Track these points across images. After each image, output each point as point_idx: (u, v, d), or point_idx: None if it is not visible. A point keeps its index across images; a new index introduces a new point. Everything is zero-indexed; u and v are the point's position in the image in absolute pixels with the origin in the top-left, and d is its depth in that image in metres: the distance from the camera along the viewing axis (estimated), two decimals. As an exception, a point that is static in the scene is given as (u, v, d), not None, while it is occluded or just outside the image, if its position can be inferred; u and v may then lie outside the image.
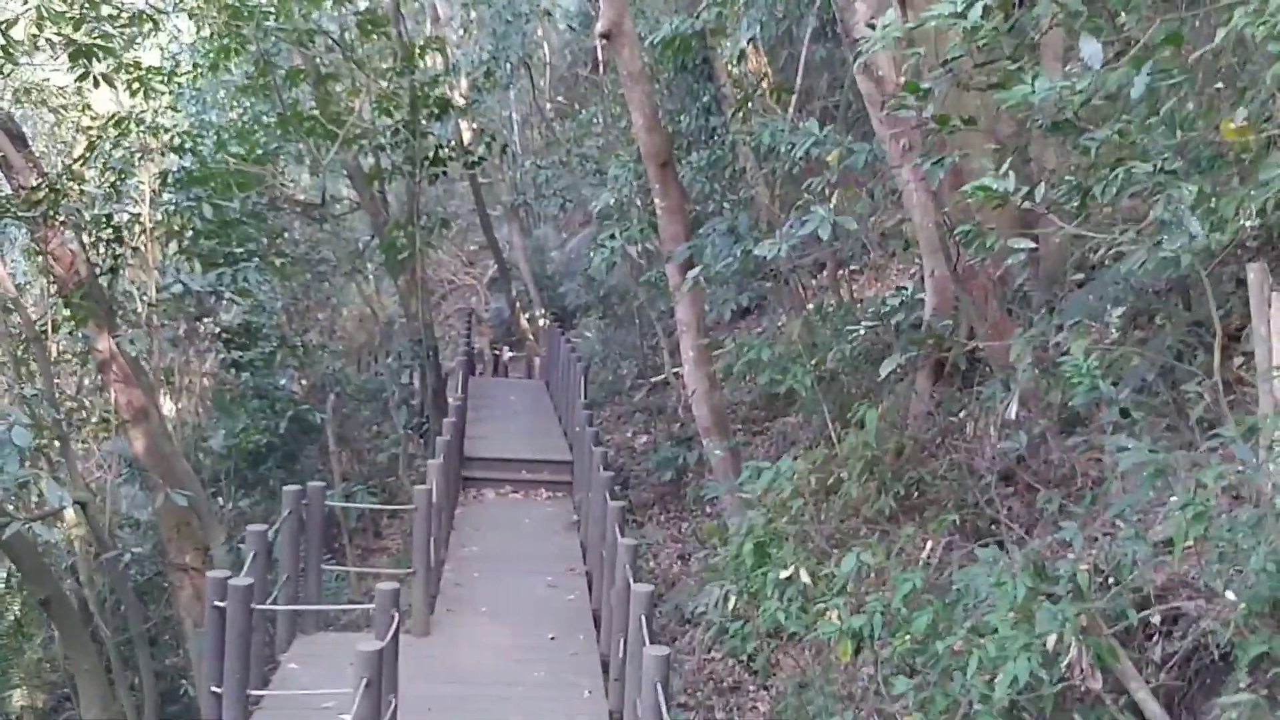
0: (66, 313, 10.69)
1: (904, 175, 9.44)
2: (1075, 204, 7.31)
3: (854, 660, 6.26)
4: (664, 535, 12.91)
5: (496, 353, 26.05)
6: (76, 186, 10.86)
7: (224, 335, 14.68)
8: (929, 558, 6.35)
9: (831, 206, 7.26)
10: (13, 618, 14.30)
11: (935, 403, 9.89)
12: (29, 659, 14.52)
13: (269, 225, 16.28)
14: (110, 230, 11.17)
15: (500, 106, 23.31)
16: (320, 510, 9.39)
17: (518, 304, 26.66)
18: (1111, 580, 5.79)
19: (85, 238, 10.94)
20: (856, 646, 6.15)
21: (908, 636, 5.90)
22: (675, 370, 16.93)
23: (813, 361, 9.02)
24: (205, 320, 14.42)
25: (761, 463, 7.19)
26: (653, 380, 17.46)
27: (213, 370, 17.74)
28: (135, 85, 11.19)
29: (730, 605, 6.63)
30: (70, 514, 12.44)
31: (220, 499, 14.85)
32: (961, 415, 8.73)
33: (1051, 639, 4.51)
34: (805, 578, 6.57)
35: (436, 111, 14.67)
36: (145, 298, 12.22)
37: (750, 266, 9.14)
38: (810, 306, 11.16)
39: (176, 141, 12.12)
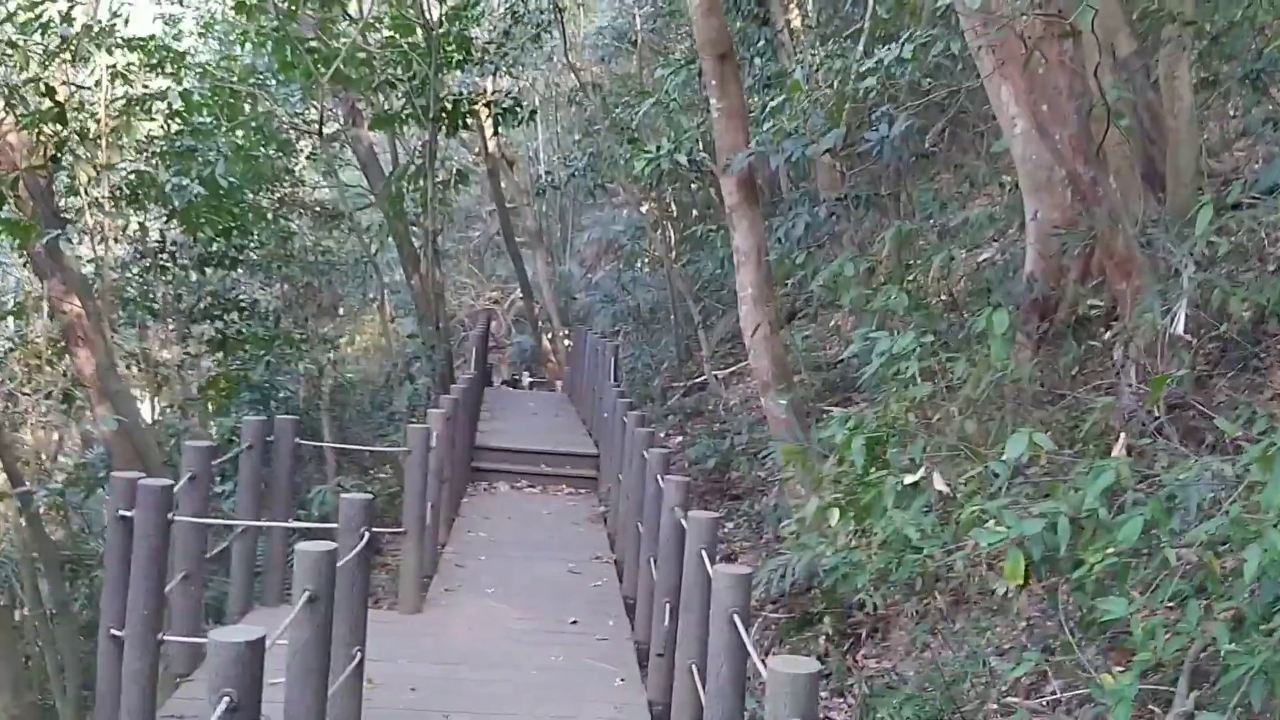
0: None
1: (1002, 96, 8.00)
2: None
3: (1023, 588, 4.34)
4: (706, 535, 10.92)
5: (516, 377, 24.44)
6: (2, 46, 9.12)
7: (208, 304, 12.89)
8: (1124, 448, 4.44)
9: None
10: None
11: (1045, 359, 8.21)
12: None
13: (277, 227, 14.74)
14: (53, 106, 9.39)
15: (529, 66, 21.45)
16: (290, 450, 7.45)
17: (540, 329, 24.96)
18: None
19: (24, 125, 9.14)
20: (1025, 572, 4.24)
21: (1108, 548, 3.99)
22: (715, 372, 15.25)
23: (909, 278, 7.19)
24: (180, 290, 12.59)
25: (875, 332, 5.32)
26: (689, 383, 15.68)
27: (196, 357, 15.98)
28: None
29: (834, 524, 4.71)
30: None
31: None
32: (1108, 336, 6.87)
33: None
34: (940, 484, 4.68)
35: (457, 55, 12.84)
36: (97, 192, 10.33)
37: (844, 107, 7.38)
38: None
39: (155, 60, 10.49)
